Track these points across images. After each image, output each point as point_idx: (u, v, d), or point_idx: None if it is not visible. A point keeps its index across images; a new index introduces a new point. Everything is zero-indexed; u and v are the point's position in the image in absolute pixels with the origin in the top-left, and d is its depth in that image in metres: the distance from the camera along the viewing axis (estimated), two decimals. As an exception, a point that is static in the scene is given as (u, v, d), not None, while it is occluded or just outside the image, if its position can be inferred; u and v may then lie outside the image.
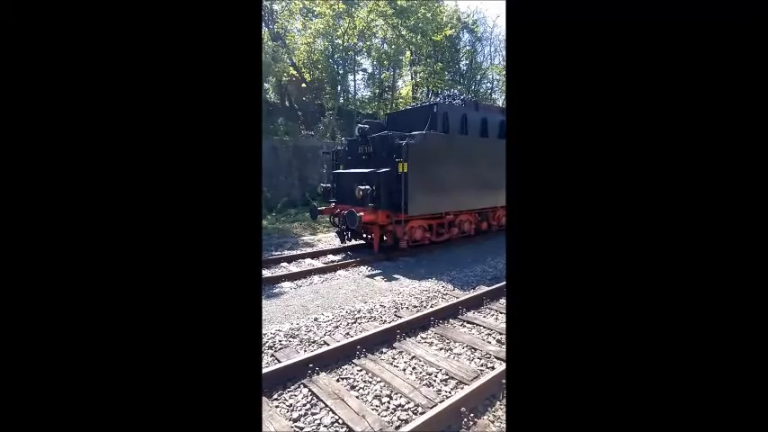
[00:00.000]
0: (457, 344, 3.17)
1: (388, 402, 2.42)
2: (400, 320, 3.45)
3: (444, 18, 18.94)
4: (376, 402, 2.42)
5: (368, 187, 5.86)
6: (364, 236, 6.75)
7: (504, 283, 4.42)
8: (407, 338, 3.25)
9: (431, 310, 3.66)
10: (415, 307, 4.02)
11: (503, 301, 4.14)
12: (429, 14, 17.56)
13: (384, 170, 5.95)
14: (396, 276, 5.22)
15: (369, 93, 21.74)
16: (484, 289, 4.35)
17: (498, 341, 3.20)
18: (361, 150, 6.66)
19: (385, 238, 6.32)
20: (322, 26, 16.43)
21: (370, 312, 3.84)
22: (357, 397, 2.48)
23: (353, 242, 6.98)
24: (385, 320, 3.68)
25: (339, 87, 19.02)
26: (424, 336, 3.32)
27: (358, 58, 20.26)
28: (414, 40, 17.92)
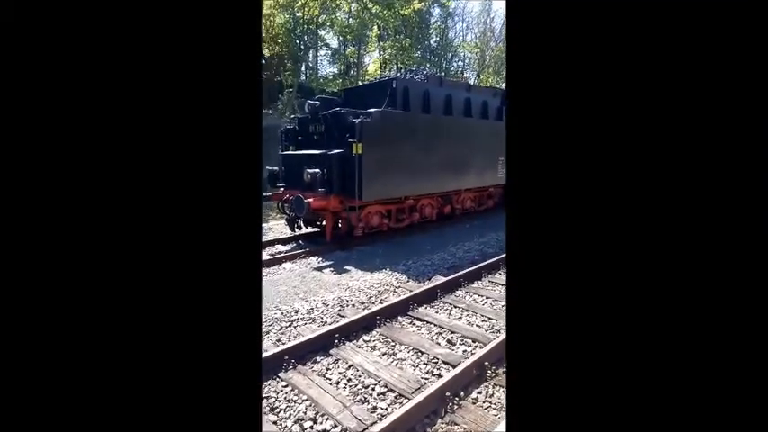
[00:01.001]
0: (403, 347, 2.80)
1: (311, 428, 2.01)
2: (341, 322, 3.03)
3: (412, -9, 18.02)
4: (296, 429, 2.00)
5: (317, 170, 5.31)
6: (318, 223, 6.23)
7: (461, 273, 4.09)
8: (347, 342, 2.84)
9: (378, 307, 3.27)
10: (363, 304, 3.61)
11: (458, 292, 3.81)
12: (396, -14, 16.64)
13: (336, 151, 5.41)
14: (347, 268, 4.79)
15: (334, 70, 20.72)
16: (440, 280, 4.01)
17: (449, 341, 2.86)
18: (313, 129, 6.06)
19: (340, 225, 5.84)
20: (279, -5, 15.17)
21: (309, 313, 3.40)
22: (274, 422, 2.05)
23: (307, 230, 6.45)
24: (325, 322, 3.25)
25: (301, 64, 17.92)
26: (366, 338, 2.93)
27: (322, 33, 19.12)
28: (380, 13, 17.02)
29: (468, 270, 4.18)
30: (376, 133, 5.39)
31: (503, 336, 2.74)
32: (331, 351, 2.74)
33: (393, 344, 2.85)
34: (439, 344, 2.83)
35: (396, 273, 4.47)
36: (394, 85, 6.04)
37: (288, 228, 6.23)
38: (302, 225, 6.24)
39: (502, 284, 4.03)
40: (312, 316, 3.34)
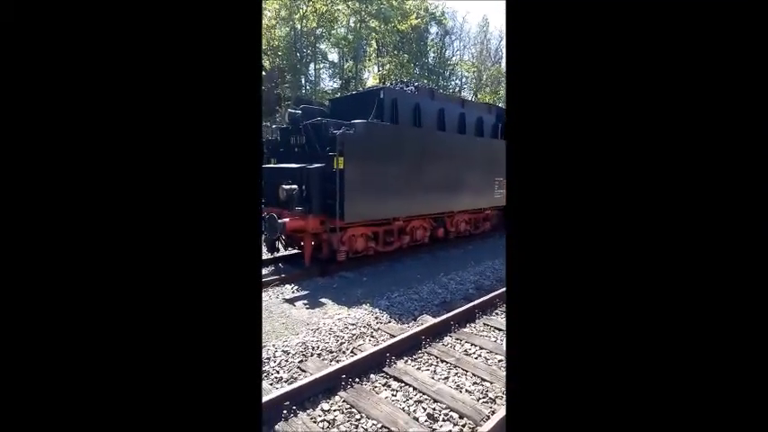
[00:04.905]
0: (370, 422, 2.16)
1: None
2: (295, 384, 2.39)
3: (410, 7, 17.96)
4: None
5: (294, 186, 4.74)
6: (302, 244, 5.62)
7: (451, 313, 3.46)
8: (300, 413, 2.21)
9: (346, 362, 2.64)
10: (331, 353, 2.98)
11: (447, 340, 3.18)
12: (394, 1, 16.55)
13: (316, 165, 4.86)
14: (323, 300, 4.17)
15: (334, 84, 20.57)
16: (427, 322, 3.38)
17: (430, 416, 2.22)
18: (294, 141, 5.53)
19: (322, 247, 5.23)
20: (278, 5, 15.08)
21: (263, 364, 2.76)
22: None
23: (287, 252, 5.84)
24: (280, 378, 2.62)
25: (301, 77, 17.73)
26: (326, 407, 2.29)
27: (322, 47, 19.03)
28: (378, 28, 16.89)
29: (460, 310, 3.55)
30: (360, 147, 4.85)
31: (500, 411, 2.10)
32: (276, 426, 2.11)
33: (358, 417, 2.21)
34: (417, 419, 2.19)
35: (377, 309, 3.84)
36: (381, 96, 5.54)
37: (266, 249, 5.61)
38: (280, 247, 5.63)
39: (499, 329, 3.39)
40: (265, 369, 2.70)
